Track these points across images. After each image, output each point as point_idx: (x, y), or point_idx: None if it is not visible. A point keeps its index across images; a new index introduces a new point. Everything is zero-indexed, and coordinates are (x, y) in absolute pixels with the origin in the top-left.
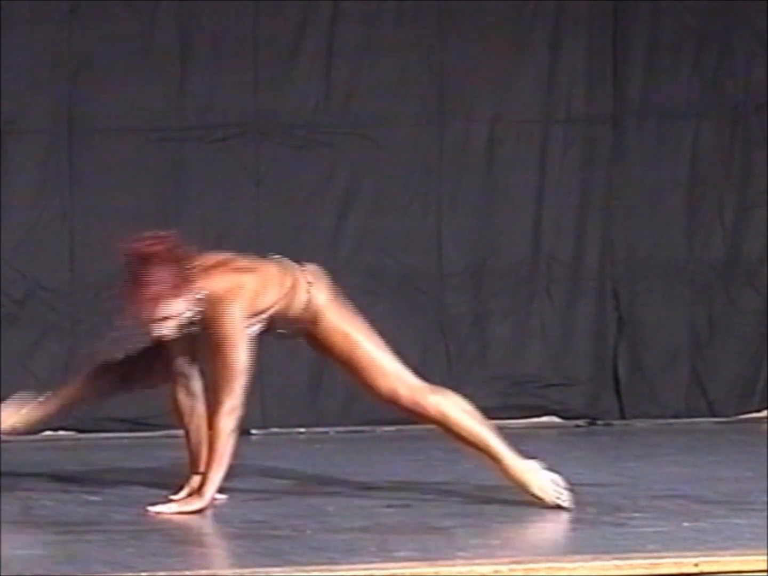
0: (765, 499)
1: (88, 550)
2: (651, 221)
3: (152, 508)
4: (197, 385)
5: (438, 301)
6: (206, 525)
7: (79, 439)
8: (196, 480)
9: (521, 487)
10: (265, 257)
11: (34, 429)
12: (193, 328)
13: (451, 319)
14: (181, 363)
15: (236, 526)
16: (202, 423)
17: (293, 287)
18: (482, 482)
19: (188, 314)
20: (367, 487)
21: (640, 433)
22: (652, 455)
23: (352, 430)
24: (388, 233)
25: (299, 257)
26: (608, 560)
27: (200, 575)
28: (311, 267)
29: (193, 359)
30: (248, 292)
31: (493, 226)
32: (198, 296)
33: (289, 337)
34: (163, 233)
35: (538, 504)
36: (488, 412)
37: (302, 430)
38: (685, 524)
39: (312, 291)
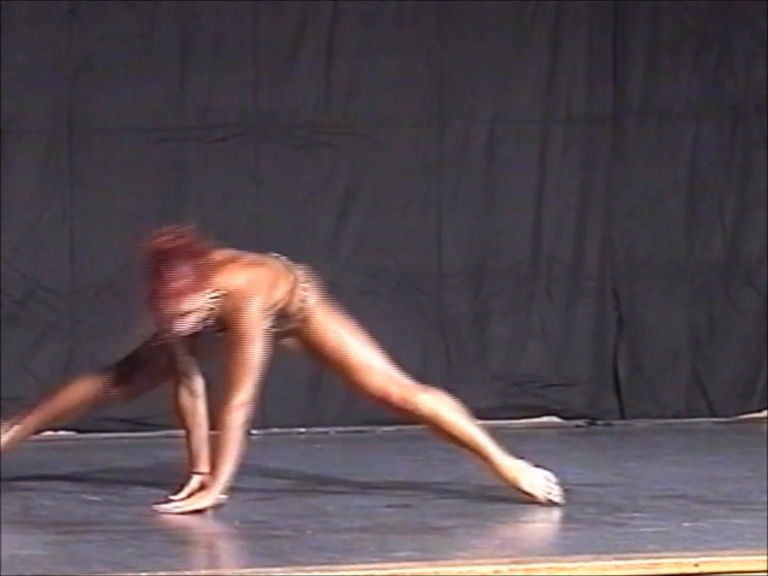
0: (765, 499)
1: (88, 550)
2: (651, 221)
3: (158, 507)
4: (199, 384)
5: (438, 301)
6: (206, 525)
7: (79, 439)
8: (196, 480)
9: (512, 485)
10: (264, 255)
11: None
12: (209, 323)
13: (451, 319)
14: (184, 362)
15: (236, 526)
16: (204, 423)
17: (294, 284)
18: (482, 482)
19: (207, 309)
20: (367, 487)
21: (640, 433)
22: (652, 455)
23: (352, 430)
24: (388, 233)
25: (299, 257)
26: (608, 560)
27: (200, 575)
28: (302, 267)
29: (196, 358)
30: (265, 287)
31: (493, 226)
32: (217, 291)
33: (280, 337)
34: (181, 228)
35: (531, 501)
36: (488, 412)
37: (302, 430)
38: (685, 524)
39: (307, 290)
